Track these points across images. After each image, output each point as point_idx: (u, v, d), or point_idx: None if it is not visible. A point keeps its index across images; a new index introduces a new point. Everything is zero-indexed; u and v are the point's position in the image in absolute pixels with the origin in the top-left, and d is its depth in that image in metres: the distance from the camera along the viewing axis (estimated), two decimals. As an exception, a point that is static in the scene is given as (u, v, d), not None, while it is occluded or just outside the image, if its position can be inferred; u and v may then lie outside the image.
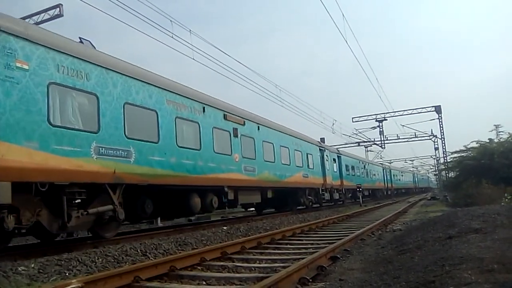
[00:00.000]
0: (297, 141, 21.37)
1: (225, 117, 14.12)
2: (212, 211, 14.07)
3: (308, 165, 22.41)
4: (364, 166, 38.25)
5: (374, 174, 42.53)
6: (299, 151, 21.25)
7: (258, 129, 16.72)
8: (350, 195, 32.54)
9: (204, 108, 12.86)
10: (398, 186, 56.63)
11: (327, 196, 25.46)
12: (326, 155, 26.34)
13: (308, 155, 22.71)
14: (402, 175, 62.34)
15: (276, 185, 18.02)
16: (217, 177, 13.14)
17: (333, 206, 26.57)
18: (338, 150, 31.57)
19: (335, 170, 28.62)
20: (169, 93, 11.40)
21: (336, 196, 27.56)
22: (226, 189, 13.60)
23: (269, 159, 17.40)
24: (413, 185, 72.67)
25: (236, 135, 14.65)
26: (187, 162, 11.64)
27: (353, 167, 33.88)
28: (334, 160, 28.75)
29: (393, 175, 53.85)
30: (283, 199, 20.61)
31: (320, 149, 25.35)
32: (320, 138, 30.58)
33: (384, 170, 48.34)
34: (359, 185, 32.25)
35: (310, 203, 22.93)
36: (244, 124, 15.45)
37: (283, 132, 19.72)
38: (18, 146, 7.09)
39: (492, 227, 7.09)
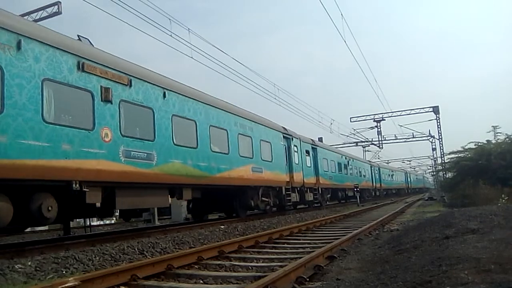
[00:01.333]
0: (244, 122, 15.78)
1: (82, 66, 8.72)
2: (45, 223, 8.99)
3: (262, 156, 16.71)
4: (348, 162, 33.08)
5: (361, 173, 37.86)
6: (247, 136, 15.79)
7: (164, 96, 11.18)
8: (329, 195, 27.53)
9: (19, 42, 7.48)
10: (388, 186, 51.80)
11: (295, 197, 20.05)
12: (295, 145, 20.87)
13: (263, 142, 17.10)
14: (392, 174, 56.65)
15: (201, 181, 12.60)
16: (52, 165, 7.79)
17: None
18: (313, 140, 25.27)
19: (309, 165, 23.16)
20: None
21: (310, 197, 22.52)
22: (75, 185, 8.34)
23: (187, 143, 11.98)
24: (405, 185, 66.33)
25: (107, 99, 9.27)
26: None
27: (333, 163, 28.61)
28: (308, 152, 23.28)
29: (383, 174, 48.79)
30: (223, 201, 15.95)
31: (284, 137, 19.63)
32: (318, 138, 30.59)
33: (372, 168, 43.59)
34: (357, 185, 32.18)
35: (268, 207, 17.67)
36: (129, 85, 10.02)
37: (217, 107, 14.05)
38: None
39: (489, 227, 7.12)
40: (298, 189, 20.82)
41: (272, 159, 17.68)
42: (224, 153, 14.01)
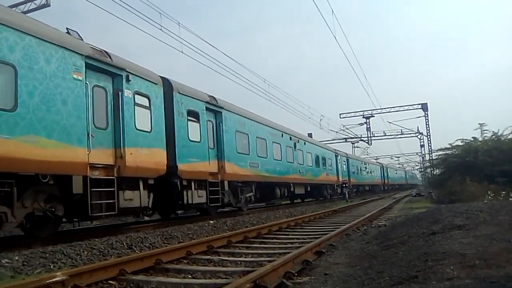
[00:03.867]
0: None
1: None
2: None
3: None
4: (295, 145, 22.95)
5: (320, 162, 28.27)
6: None
7: None
8: (251, 194, 17.16)
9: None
10: (359, 182, 42.61)
11: (137, 198, 10.34)
12: (140, 93, 10.74)
13: None
14: (365, 167, 46.99)
15: None
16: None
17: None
18: (214, 98, 14.63)
19: (197, 138, 13.05)
20: None
21: (199, 196, 12.85)
22: None
23: None
24: (381, 181, 56.56)
25: None
26: None
27: (264, 142, 18.47)
28: (196, 116, 13.17)
29: (352, 166, 39.67)
30: None
31: (93, 67, 9.44)
32: (308, 134, 30.57)
33: (339, 158, 34.31)
34: (345, 180, 32.02)
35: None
36: None
37: None
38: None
39: (474, 223, 7.22)
40: (153, 182, 11.00)
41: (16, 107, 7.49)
42: None
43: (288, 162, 21.46)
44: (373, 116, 42.13)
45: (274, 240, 8.97)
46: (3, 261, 5.88)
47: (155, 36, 36.50)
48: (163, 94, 11.77)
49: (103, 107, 9.69)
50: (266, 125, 19.29)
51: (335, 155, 33.38)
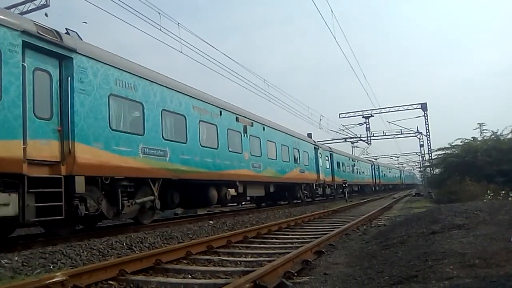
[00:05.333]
0: None
1: None
2: None
3: None
4: (245, 129, 16.72)
5: (290, 155, 22.10)
6: None
7: None
8: (146, 199, 10.86)
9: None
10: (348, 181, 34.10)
11: None
12: None
13: None
14: (354, 165, 40.09)
15: None
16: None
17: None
18: (58, 35, 8.45)
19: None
20: None
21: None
22: None
23: None
24: (372, 180, 50.01)
25: None
26: None
27: (173, 116, 12.05)
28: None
29: (337, 164, 33.24)
30: None
31: None
32: (308, 134, 30.50)
33: (319, 152, 28.18)
34: (345, 181, 31.94)
35: None
36: None
37: None
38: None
39: (474, 223, 7.23)
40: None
41: None
42: None
43: (232, 152, 15.30)
44: (373, 116, 42.24)
45: (274, 240, 8.97)
46: (2, 261, 5.88)
47: (154, 36, 36.49)
48: None
49: None
50: (185, 94, 12.80)
51: (315, 148, 27.18)
